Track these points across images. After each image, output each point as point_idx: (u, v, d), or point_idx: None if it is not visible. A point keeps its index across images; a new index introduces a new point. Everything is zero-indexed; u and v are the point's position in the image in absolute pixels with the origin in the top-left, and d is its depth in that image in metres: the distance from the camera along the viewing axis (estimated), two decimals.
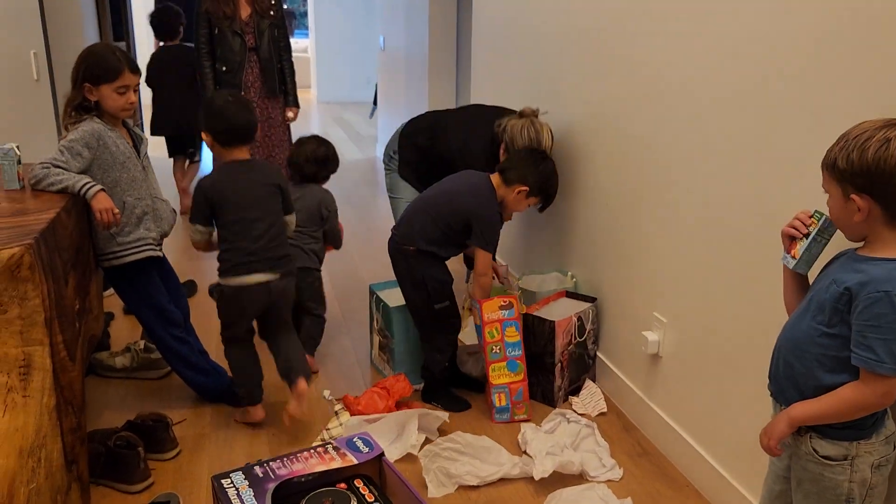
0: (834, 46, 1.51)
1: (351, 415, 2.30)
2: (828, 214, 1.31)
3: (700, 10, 1.93)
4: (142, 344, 2.63)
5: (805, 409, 1.29)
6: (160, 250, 2.30)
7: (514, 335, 2.39)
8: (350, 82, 10.78)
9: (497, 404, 2.39)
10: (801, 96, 1.61)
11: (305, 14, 12.88)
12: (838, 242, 1.34)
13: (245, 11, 3.63)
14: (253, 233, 2.17)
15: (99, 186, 2.04)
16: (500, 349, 2.38)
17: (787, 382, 1.34)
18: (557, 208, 2.93)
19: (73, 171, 2.02)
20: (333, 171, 2.85)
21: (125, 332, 2.97)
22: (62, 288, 1.78)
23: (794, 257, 1.37)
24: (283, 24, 3.78)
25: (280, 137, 3.86)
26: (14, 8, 3.10)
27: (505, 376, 2.38)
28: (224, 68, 3.64)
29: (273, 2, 3.70)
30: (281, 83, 3.81)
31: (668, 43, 2.09)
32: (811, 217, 1.35)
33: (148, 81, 4.52)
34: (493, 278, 2.61)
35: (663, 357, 2.21)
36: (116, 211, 2.06)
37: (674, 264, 2.12)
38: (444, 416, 2.30)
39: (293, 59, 3.91)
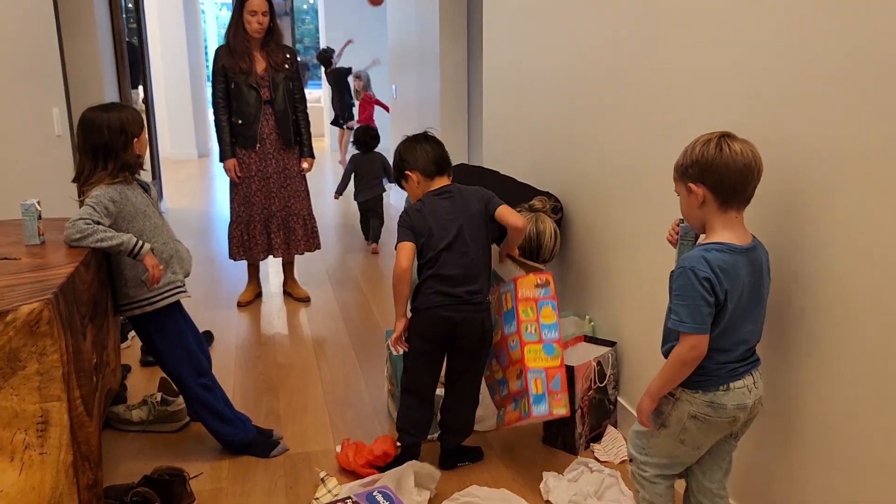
0: (848, 87, 1.51)
1: (358, 468, 2.29)
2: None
3: (714, 54, 1.95)
4: (158, 396, 2.61)
5: (655, 383, 1.61)
6: (187, 292, 2.32)
7: (550, 316, 2.19)
8: None
9: (534, 391, 2.11)
10: (821, 141, 1.60)
11: (318, 66, 13.16)
12: None
13: (260, 66, 3.71)
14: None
15: (148, 244, 2.11)
16: (534, 329, 2.16)
17: (663, 350, 1.64)
18: (574, 252, 2.92)
19: (97, 219, 2.03)
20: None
21: (142, 384, 2.97)
22: (80, 342, 1.78)
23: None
24: (297, 77, 3.86)
25: (296, 188, 3.91)
26: (37, 66, 3.18)
27: (542, 360, 2.13)
28: (240, 121, 3.72)
29: (287, 56, 3.78)
30: (296, 134, 3.88)
31: (682, 86, 2.10)
32: (678, 225, 1.69)
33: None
34: None
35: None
36: (160, 267, 2.15)
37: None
38: (437, 473, 2.19)
39: (308, 111, 3.98)
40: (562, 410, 2.16)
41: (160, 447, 2.50)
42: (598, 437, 2.51)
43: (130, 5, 6.13)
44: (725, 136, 1.52)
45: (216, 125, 3.76)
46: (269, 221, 3.90)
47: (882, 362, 1.48)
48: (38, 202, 2.06)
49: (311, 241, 4.04)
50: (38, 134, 3.14)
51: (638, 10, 2.30)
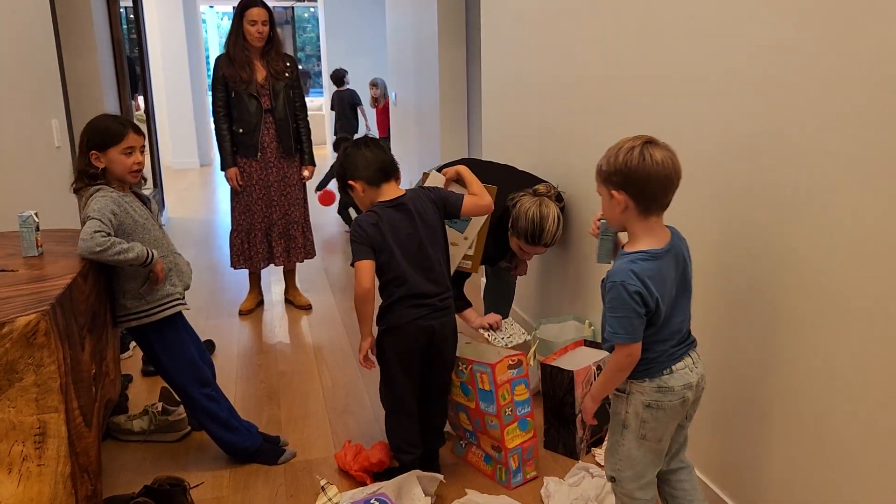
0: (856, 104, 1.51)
1: (352, 471, 2.29)
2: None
3: (714, 56, 1.95)
4: (160, 406, 2.61)
5: (596, 386, 1.71)
6: (186, 304, 2.32)
7: (523, 393, 2.31)
8: None
9: (512, 466, 2.29)
10: (813, 141, 1.60)
11: (319, 73, 13.19)
12: None
13: (261, 74, 3.72)
14: None
15: (154, 252, 2.14)
16: (511, 410, 2.28)
17: (605, 348, 1.67)
18: (574, 256, 2.92)
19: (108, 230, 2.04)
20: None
21: (143, 394, 2.97)
22: (78, 353, 1.78)
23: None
24: (298, 86, 3.86)
25: (296, 196, 3.92)
26: (36, 77, 3.19)
27: (518, 437, 2.29)
28: (241, 130, 3.72)
29: (288, 64, 3.79)
30: (297, 142, 3.88)
31: (677, 89, 2.10)
32: (599, 220, 1.73)
33: (332, 107, 8.10)
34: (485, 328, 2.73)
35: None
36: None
37: (693, 307, 2.09)
38: (439, 477, 2.20)
39: (308, 119, 3.98)
40: (532, 473, 2.36)
41: (161, 457, 2.50)
42: (598, 442, 2.51)
43: (131, 16, 6.16)
44: (649, 144, 1.54)
45: (217, 134, 3.77)
46: (269, 230, 3.90)
47: (882, 360, 1.47)
48: (36, 214, 2.06)
49: (308, 249, 4.05)
50: (37, 145, 3.15)
51: (634, 16, 2.30)
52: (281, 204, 3.88)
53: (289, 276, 4.19)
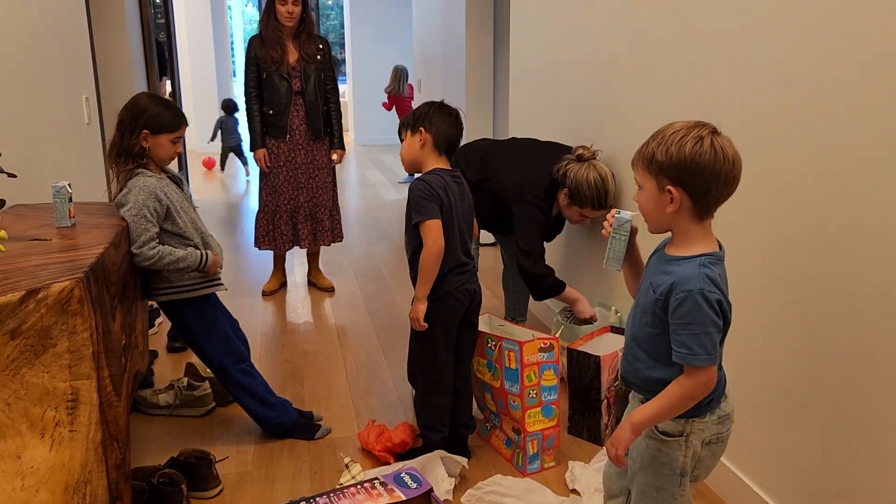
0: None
1: (375, 451, 2.29)
2: (624, 212, 1.46)
3: (746, 34, 1.91)
4: (185, 381, 2.63)
5: (644, 413, 1.37)
6: (224, 285, 2.36)
7: (551, 379, 2.28)
8: (386, 125, 10.94)
9: (530, 451, 2.27)
10: (854, 121, 1.57)
11: (344, 61, 13.21)
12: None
13: (293, 56, 3.71)
14: None
15: (207, 252, 2.24)
16: (536, 394, 2.26)
17: (634, 377, 1.44)
18: (600, 242, 2.89)
19: (155, 232, 2.14)
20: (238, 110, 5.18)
21: (168, 369, 2.99)
22: (109, 323, 1.79)
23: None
24: (330, 68, 3.84)
25: (324, 179, 3.92)
26: (67, 54, 3.21)
27: (540, 422, 2.27)
28: (271, 111, 3.73)
29: (320, 46, 3.77)
30: (326, 125, 3.87)
31: (712, 72, 2.06)
32: (613, 216, 1.48)
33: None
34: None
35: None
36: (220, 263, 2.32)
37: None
38: (463, 460, 2.20)
39: (340, 103, 3.95)
40: (551, 464, 2.32)
41: (186, 431, 2.52)
42: None
43: (159, 0, 6.19)
44: (715, 134, 1.30)
45: (248, 114, 3.78)
46: (295, 212, 3.90)
47: None
48: (69, 185, 2.08)
49: (336, 233, 4.05)
50: (68, 121, 3.17)
51: None
52: (308, 186, 3.87)
53: (312, 258, 4.19)
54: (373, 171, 8.65)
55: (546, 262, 2.76)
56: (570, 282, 3.21)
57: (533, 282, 2.77)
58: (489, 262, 4.44)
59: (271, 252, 4.09)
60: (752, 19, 1.88)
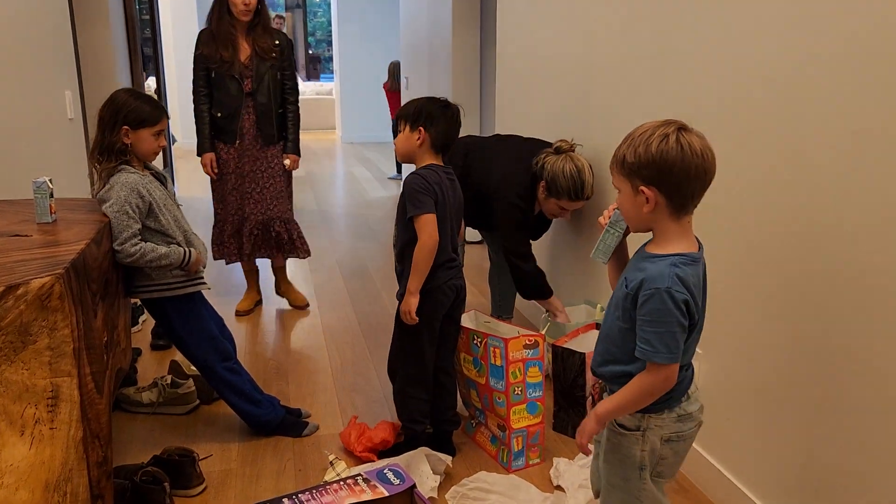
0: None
1: (356, 452, 2.29)
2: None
3: (729, 36, 1.92)
4: (169, 379, 2.62)
5: (607, 406, 1.41)
6: (207, 284, 2.34)
7: (536, 376, 2.29)
8: (373, 123, 10.94)
9: (515, 448, 2.27)
10: (833, 120, 1.58)
11: (331, 59, 13.16)
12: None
13: (244, 54, 3.34)
14: None
15: (190, 249, 2.22)
16: (521, 390, 2.26)
17: (604, 369, 1.46)
18: (585, 239, 2.90)
19: (137, 229, 2.12)
20: None
21: (152, 367, 2.97)
22: (91, 319, 1.77)
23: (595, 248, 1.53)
24: (289, 66, 3.47)
25: (278, 189, 3.49)
26: (50, 50, 3.18)
27: (524, 419, 2.27)
28: (219, 114, 3.37)
29: (276, 42, 3.39)
30: (281, 129, 3.48)
31: (694, 72, 2.07)
32: (614, 209, 1.48)
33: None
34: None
35: (698, 389, 2.14)
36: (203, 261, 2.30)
37: (708, 293, 2.07)
38: (447, 458, 2.20)
39: (299, 104, 3.56)
40: (536, 461, 2.32)
41: (170, 429, 2.50)
42: None
43: None
44: (683, 131, 1.30)
45: (195, 116, 3.41)
46: (241, 225, 3.52)
47: None
48: (51, 180, 2.06)
49: (300, 246, 3.62)
50: (51, 117, 3.14)
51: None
52: (258, 199, 3.47)
53: (279, 272, 3.78)
54: (359, 169, 8.64)
55: (532, 261, 2.78)
56: (557, 279, 3.22)
57: (522, 280, 2.78)
58: (475, 260, 4.44)
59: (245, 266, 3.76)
60: (734, 20, 1.89)
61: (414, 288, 2.13)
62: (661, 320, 1.30)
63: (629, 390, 1.38)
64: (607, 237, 1.50)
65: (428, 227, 2.09)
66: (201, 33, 3.37)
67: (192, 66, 3.37)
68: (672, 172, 1.29)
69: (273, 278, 3.83)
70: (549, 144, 2.81)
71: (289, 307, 3.81)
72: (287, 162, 3.50)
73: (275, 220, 3.51)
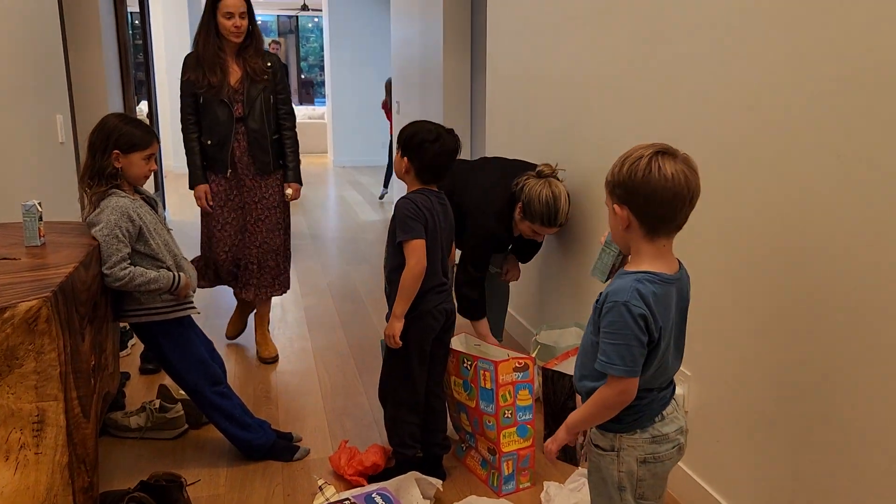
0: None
1: (346, 476, 2.27)
2: None
3: (719, 59, 1.95)
4: (157, 403, 2.59)
5: (574, 417, 1.47)
6: (196, 308, 2.34)
7: (526, 398, 2.28)
8: (364, 147, 11.00)
9: (505, 472, 2.26)
10: (829, 144, 1.60)
11: (323, 83, 13.24)
12: None
13: (234, 77, 3.13)
14: None
15: (180, 274, 2.21)
16: (511, 413, 2.26)
17: (580, 383, 1.48)
18: (575, 261, 2.91)
19: (126, 253, 2.12)
20: None
21: (140, 392, 2.94)
22: (78, 343, 1.77)
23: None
24: (283, 90, 3.26)
25: (275, 221, 3.26)
26: (42, 74, 3.20)
27: (515, 443, 2.27)
28: (209, 142, 3.12)
29: (269, 64, 3.18)
30: (279, 157, 3.24)
31: (682, 95, 2.10)
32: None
33: None
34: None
35: (689, 411, 2.14)
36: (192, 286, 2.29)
37: (697, 315, 2.08)
38: (437, 482, 2.18)
39: (296, 129, 3.31)
40: (526, 484, 2.31)
41: (158, 454, 2.48)
42: None
43: (137, 22, 6.18)
44: (660, 155, 1.32)
45: (185, 146, 3.17)
46: (239, 260, 3.27)
47: None
48: (40, 203, 2.06)
49: (282, 282, 3.38)
50: (42, 140, 3.14)
51: (638, 23, 2.30)
52: (254, 230, 3.23)
53: (260, 319, 3.46)
54: (351, 192, 8.65)
55: (479, 287, 2.85)
56: (547, 301, 3.23)
57: (459, 297, 2.83)
58: None
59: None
60: (724, 44, 1.92)
61: (399, 312, 2.14)
62: (617, 332, 1.33)
63: (591, 402, 1.42)
64: (604, 256, 1.55)
65: (416, 252, 2.10)
66: (187, 58, 3.18)
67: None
68: (638, 194, 1.33)
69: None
70: (533, 167, 2.84)
71: (280, 318, 3.79)
72: (289, 192, 3.26)
73: (270, 253, 3.28)
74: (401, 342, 2.15)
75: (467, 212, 2.80)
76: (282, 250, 3.32)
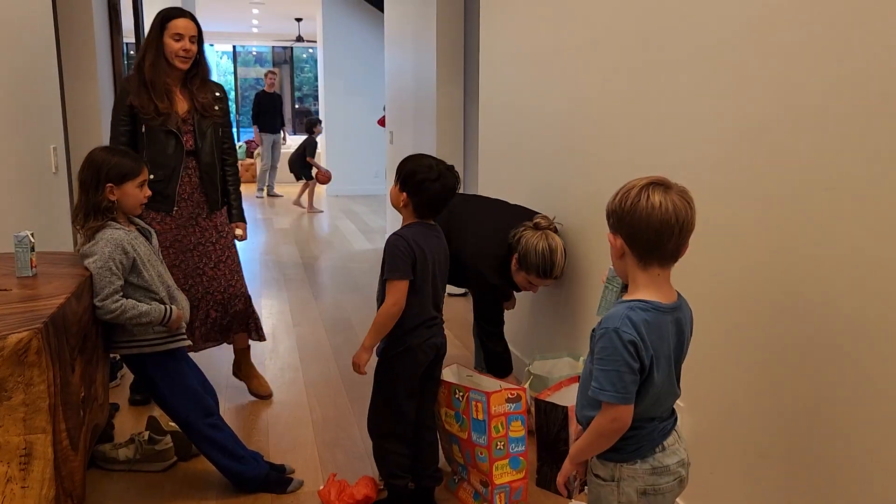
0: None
1: None
2: None
3: (709, 98, 1.98)
4: (146, 435, 2.57)
5: (575, 447, 1.48)
6: (189, 341, 2.34)
7: (519, 430, 2.28)
8: (359, 176, 11.06)
9: None
10: (819, 181, 1.62)
11: (317, 112, 13.35)
12: None
13: (182, 106, 2.89)
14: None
15: (171, 306, 2.21)
16: (503, 445, 2.25)
17: (580, 413, 1.49)
18: (569, 291, 2.91)
19: (119, 285, 2.12)
20: None
21: (129, 424, 2.92)
22: (68, 374, 1.76)
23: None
24: (228, 123, 3.07)
25: (235, 260, 3.09)
26: (36, 104, 3.21)
27: (507, 475, 2.25)
28: (152, 176, 2.64)
29: (217, 95, 2.99)
30: (223, 194, 3.05)
31: (672, 127, 2.13)
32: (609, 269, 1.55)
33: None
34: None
35: (682, 442, 2.13)
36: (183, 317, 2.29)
37: (691, 345, 2.08)
38: None
39: (238, 165, 3.13)
40: None
41: (146, 487, 2.45)
42: None
43: (132, 52, 6.24)
44: (652, 186, 1.36)
45: None
46: (196, 307, 2.97)
47: None
48: (32, 234, 2.06)
49: (257, 327, 3.19)
50: (35, 170, 3.15)
51: (629, 54, 2.34)
52: (213, 274, 2.99)
53: (243, 354, 3.23)
54: (344, 222, 8.67)
55: (502, 340, 2.89)
56: (539, 331, 3.23)
57: (485, 353, 2.89)
58: (459, 312, 4.44)
59: None
60: (717, 76, 1.95)
61: (368, 344, 2.18)
62: (608, 358, 1.35)
63: (588, 432, 1.43)
64: (607, 293, 1.57)
65: (396, 293, 2.12)
66: (127, 80, 2.91)
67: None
68: (626, 223, 1.37)
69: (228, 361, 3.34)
70: (530, 214, 2.85)
71: (271, 347, 3.73)
72: (238, 232, 3.11)
73: (237, 297, 3.05)
74: (365, 372, 2.20)
75: (465, 264, 2.81)
76: (247, 292, 3.13)
